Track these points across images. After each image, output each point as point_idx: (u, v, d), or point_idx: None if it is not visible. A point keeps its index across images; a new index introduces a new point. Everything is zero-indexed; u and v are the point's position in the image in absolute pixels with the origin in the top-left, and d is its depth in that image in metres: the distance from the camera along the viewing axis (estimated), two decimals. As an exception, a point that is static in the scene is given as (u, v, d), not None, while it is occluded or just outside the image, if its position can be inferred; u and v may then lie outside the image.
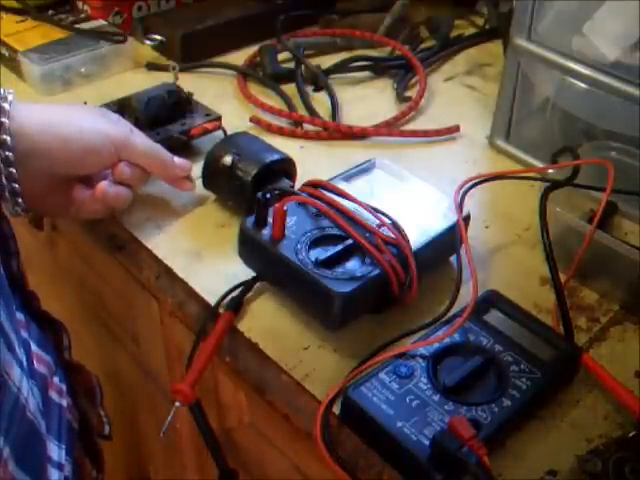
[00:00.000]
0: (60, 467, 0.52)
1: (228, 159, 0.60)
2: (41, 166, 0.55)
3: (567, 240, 0.57)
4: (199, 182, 0.64)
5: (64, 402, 0.56)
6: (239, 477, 0.57)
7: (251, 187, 0.59)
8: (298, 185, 0.61)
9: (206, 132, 0.69)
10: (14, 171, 0.53)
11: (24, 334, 0.52)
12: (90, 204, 0.59)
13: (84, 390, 0.63)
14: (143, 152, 0.59)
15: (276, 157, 0.61)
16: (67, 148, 0.55)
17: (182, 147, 0.68)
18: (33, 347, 0.54)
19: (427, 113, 0.80)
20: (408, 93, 0.82)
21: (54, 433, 0.52)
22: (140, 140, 0.59)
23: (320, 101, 0.80)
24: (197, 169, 0.63)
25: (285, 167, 0.62)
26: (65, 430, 0.54)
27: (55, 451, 0.51)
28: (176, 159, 0.62)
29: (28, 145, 0.53)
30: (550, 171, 0.60)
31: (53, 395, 0.54)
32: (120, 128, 0.59)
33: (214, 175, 0.62)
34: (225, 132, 0.69)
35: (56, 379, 0.56)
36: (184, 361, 0.53)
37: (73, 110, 0.59)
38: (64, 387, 0.57)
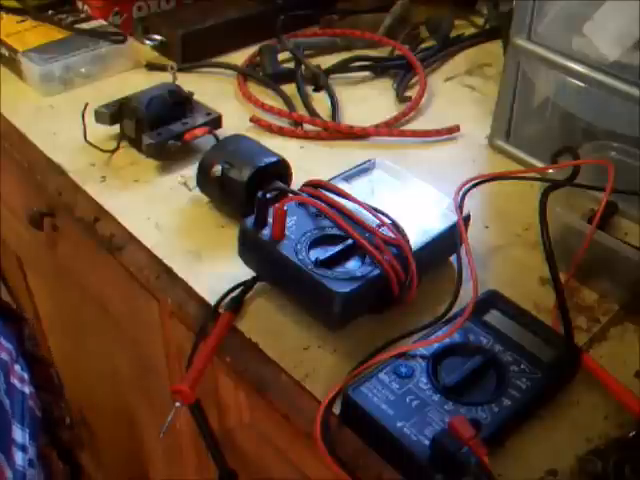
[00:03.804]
0: (24, 449, 0.53)
1: (218, 169, 0.60)
2: None
3: (567, 240, 0.57)
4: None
5: (26, 389, 0.57)
6: (239, 477, 0.57)
7: (244, 194, 0.59)
8: (294, 186, 0.60)
9: (197, 137, 0.69)
10: None
11: None
12: None
13: (44, 382, 0.64)
14: None
15: (268, 161, 0.61)
16: None
17: (178, 150, 0.68)
18: None
19: (427, 113, 0.80)
20: (408, 93, 0.82)
21: (18, 417, 0.53)
22: None
23: (320, 101, 0.80)
24: (195, 170, 0.63)
25: (279, 169, 0.62)
26: (28, 416, 0.56)
27: (19, 434, 0.53)
28: None
29: None
30: (550, 171, 0.60)
31: (15, 382, 0.55)
32: None
33: (207, 183, 0.62)
34: (217, 137, 0.67)
35: (17, 367, 0.57)
36: (184, 361, 0.53)
37: None
38: (26, 375, 0.58)
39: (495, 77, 0.85)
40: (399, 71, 0.86)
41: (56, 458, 0.61)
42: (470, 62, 0.91)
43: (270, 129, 0.75)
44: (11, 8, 0.88)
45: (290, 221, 0.53)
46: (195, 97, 0.72)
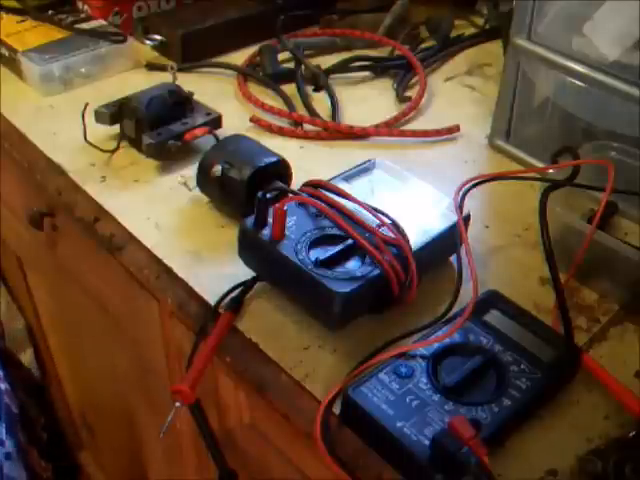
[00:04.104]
0: (2, 443, 0.53)
1: (218, 169, 0.60)
2: None
3: (567, 240, 0.57)
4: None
5: (2, 386, 0.57)
6: (239, 477, 0.57)
7: (244, 194, 0.59)
8: (294, 186, 0.60)
9: (197, 137, 0.68)
10: None
11: None
12: None
13: (22, 383, 0.64)
14: None
15: (268, 160, 0.61)
16: None
17: (178, 150, 0.68)
18: None
19: (427, 113, 0.80)
20: (408, 93, 0.82)
21: None
22: None
23: (320, 101, 0.80)
24: (195, 170, 0.63)
25: (279, 169, 0.62)
26: (5, 411, 0.56)
27: None
28: None
29: None
30: (550, 171, 0.60)
31: None
32: None
33: (207, 183, 0.62)
34: (217, 137, 0.67)
35: None
36: (184, 361, 0.53)
37: None
38: (1, 373, 0.58)
39: (495, 77, 0.85)
40: (399, 71, 0.86)
41: (37, 456, 0.61)
42: (470, 62, 0.91)
43: (270, 129, 0.75)
44: (11, 8, 0.88)
45: (290, 221, 0.53)
46: (195, 97, 0.72)
